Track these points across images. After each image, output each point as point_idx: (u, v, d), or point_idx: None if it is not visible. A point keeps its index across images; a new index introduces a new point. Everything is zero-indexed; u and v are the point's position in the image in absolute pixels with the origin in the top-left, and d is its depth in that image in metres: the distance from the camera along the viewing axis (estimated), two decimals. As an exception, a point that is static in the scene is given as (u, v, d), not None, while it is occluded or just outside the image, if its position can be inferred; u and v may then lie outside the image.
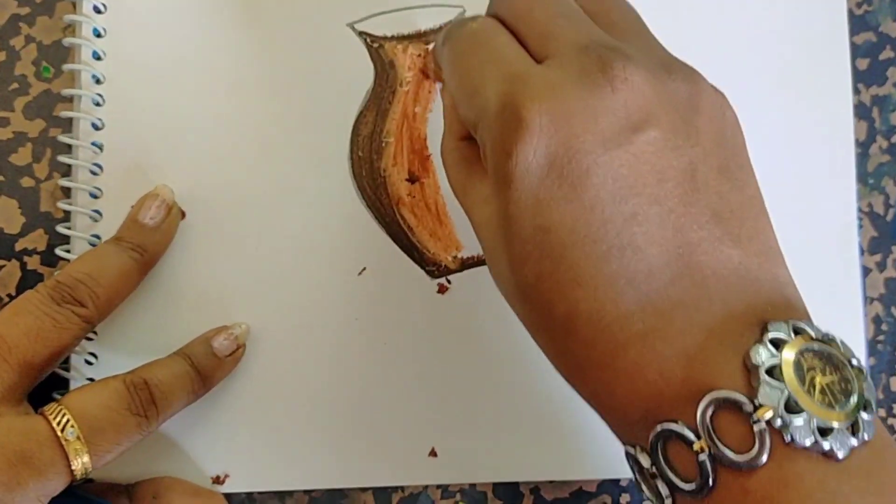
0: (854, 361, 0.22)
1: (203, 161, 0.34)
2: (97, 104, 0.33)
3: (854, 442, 0.21)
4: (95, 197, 0.33)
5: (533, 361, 0.34)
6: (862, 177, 0.37)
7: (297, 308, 0.34)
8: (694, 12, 0.36)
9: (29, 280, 0.33)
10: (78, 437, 0.27)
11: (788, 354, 0.21)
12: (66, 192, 0.33)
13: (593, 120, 0.22)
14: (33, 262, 0.34)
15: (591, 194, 0.22)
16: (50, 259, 0.33)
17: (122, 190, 0.33)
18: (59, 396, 0.29)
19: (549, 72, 0.23)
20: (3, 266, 0.33)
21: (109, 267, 0.31)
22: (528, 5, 0.26)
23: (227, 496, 0.33)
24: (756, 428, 0.20)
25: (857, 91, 0.37)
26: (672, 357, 0.22)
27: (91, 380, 0.32)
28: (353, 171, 0.35)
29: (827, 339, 0.22)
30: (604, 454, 0.35)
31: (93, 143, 0.33)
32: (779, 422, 0.20)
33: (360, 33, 0.35)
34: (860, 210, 0.37)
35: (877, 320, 0.37)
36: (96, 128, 0.33)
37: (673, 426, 0.21)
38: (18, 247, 0.34)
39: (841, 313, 0.36)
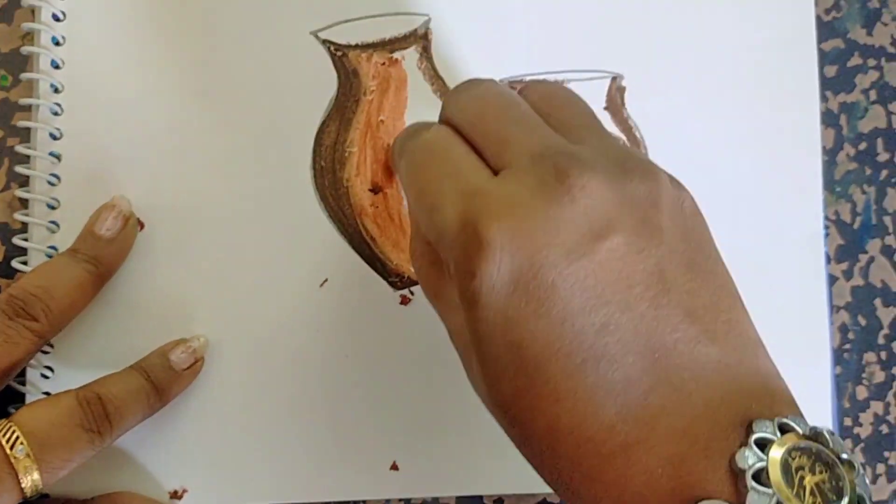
0: (844, 456, 0.21)
1: (162, 171, 0.33)
2: (55, 114, 0.33)
3: None
4: (53, 208, 0.33)
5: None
6: (829, 185, 0.37)
7: (257, 320, 0.34)
8: (660, 20, 0.36)
9: (-15, 292, 0.33)
10: (27, 455, 0.27)
11: (776, 454, 0.20)
12: (24, 203, 0.33)
13: (554, 232, 0.22)
14: (-10, 274, 0.33)
15: (559, 308, 0.22)
16: (7, 271, 0.33)
17: (79, 201, 0.33)
18: (14, 411, 0.29)
19: (506, 185, 0.23)
20: (-40, 278, 0.33)
21: (64, 280, 0.30)
22: (480, 111, 0.25)
23: (187, 511, 0.33)
24: None
25: (824, 98, 0.37)
26: (657, 468, 0.21)
27: (47, 393, 0.32)
28: (315, 181, 0.34)
29: (814, 435, 0.21)
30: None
31: (50, 153, 0.33)
32: None
33: (324, 41, 0.34)
34: (827, 218, 0.37)
35: (843, 329, 0.37)
36: (54, 138, 0.33)
37: None
38: (-25, 259, 0.33)
39: (807, 322, 0.36)
